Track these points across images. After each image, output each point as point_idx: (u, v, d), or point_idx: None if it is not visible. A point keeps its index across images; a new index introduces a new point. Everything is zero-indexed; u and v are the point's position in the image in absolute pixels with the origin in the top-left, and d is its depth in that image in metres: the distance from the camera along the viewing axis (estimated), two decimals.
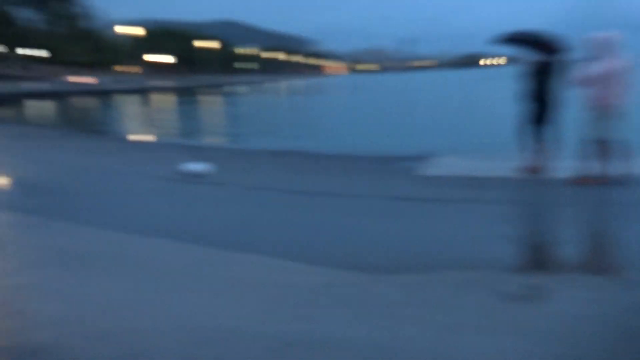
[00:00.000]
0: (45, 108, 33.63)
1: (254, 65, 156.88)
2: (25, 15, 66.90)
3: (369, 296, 3.22)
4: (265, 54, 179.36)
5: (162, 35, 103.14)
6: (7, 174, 7.85)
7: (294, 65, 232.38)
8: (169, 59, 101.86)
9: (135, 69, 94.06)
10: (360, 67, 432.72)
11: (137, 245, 4.64)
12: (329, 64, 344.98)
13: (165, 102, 46.48)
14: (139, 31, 71.01)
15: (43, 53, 73.46)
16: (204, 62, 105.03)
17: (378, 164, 9.45)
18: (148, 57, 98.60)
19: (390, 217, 5.40)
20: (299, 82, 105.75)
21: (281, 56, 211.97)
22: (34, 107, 33.66)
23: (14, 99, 34.16)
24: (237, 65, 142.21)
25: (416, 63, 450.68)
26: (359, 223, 5.14)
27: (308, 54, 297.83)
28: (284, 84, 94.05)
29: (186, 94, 56.75)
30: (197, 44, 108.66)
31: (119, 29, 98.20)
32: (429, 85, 60.42)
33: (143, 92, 60.37)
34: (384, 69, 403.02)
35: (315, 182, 7.73)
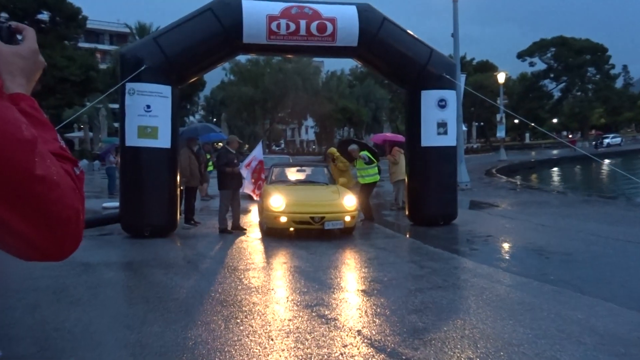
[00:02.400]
0: (564, 173, 34.99)
1: None
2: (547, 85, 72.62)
3: None
4: None
5: None
6: (525, 240, 8.59)
7: None
8: None
9: None
10: None
11: None
12: None
13: None
14: None
15: (553, 119, 77.47)
16: None
17: None
18: None
19: None
20: None
21: None
22: (553, 173, 35.57)
23: (534, 166, 37.19)
24: None
25: None
26: None
27: None
28: None
29: None
30: None
31: None
32: None
33: None
34: None
35: None
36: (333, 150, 13.05)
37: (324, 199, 9.63)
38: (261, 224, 10.11)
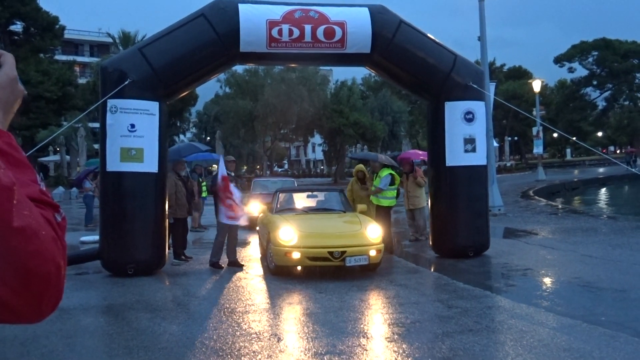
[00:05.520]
0: (613, 194, 34.72)
1: None
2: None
3: None
4: None
5: None
6: (570, 274, 8.48)
7: None
8: None
9: None
10: None
11: None
12: None
13: None
14: None
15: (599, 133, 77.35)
16: None
17: None
18: None
19: None
20: None
21: None
22: (600, 195, 35.31)
23: (577, 187, 36.95)
24: None
25: None
26: None
27: None
28: None
29: None
30: None
31: None
32: None
33: None
34: None
35: None
36: (362, 167, 12.93)
37: (343, 229, 9.35)
38: (263, 260, 10.03)
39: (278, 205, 10.60)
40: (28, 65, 40.46)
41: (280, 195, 11.02)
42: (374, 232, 9.06)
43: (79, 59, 64.44)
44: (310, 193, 11.75)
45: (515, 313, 6.53)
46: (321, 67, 44.58)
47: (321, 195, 11.59)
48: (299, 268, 9.07)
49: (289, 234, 8.81)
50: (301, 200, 11.25)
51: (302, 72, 45.63)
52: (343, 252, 8.65)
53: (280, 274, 9.07)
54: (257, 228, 11.35)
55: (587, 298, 7.25)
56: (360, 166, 13.00)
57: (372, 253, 8.81)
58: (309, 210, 10.57)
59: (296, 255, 8.67)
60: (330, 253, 8.65)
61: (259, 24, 9.42)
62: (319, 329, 6.00)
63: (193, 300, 7.69)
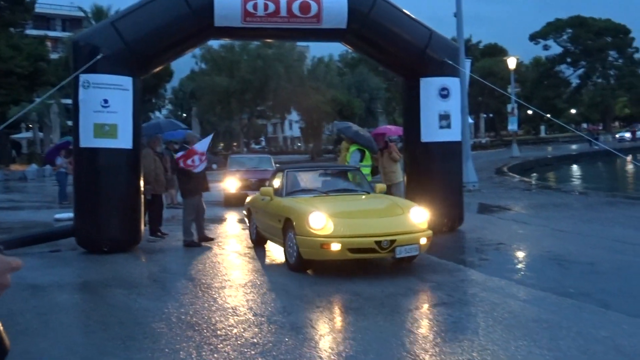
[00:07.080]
0: (585, 171, 35.30)
1: None
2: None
3: None
4: None
5: None
6: (541, 248, 8.64)
7: None
8: None
9: None
10: None
11: None
12: None
13: None
14: None
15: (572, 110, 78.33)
16: None
17: None
18: None
19: None
20: None
21: None
22: (572, 171, 35.89)
23: (550, 163, 37.53)
24: None
25: None
26: None
27: None
28: None
29: None
30: None
31: None
32: None
33: None
34: None
35: None
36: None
37: (386, 214, 7.79)
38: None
39: (288, 187, 8.63)
40: None
41: (289, 174, 8.98)
42: (420, 216, 7.65)
43: (51, 33, 62.91)
44: (323, 172, 10.09)
45: (487, 286, 6.64)
46: (298, 43, 44.17)
47: (337, 174, 9.95)
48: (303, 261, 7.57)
49: (321, 221, 7.16)
50: (315, 180, 9.33)
51: (279, 49, 45.17)
52: (392, 242, 7.13)
53: (249, 246, 8.91)
54: (245, 212, 10.32)
55: (557, 271, 7.40)
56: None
57: (423, 241, 7.44)
58: (329, 192, 8.65)
59: (336, 246, 7.05)
60: (378, 243, 7.11)
61: None
62: (294, 303, 6.04)
63: (169, 277, 7.69)
